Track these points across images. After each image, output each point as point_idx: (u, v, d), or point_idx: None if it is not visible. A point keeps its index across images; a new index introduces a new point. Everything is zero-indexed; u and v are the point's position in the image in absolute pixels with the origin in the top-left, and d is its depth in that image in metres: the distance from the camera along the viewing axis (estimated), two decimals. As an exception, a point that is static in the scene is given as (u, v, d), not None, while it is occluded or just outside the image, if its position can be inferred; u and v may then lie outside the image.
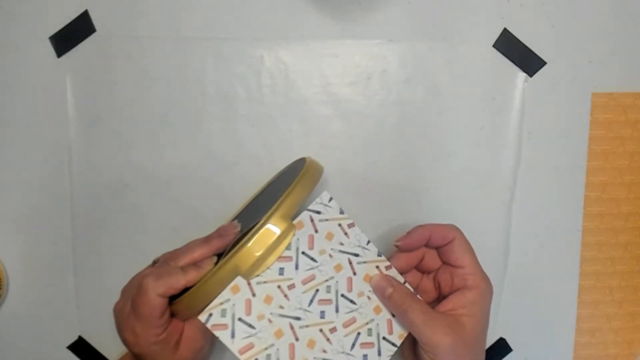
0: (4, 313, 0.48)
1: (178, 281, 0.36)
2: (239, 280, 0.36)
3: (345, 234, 0.39)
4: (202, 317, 0.35)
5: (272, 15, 0.46)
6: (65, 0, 0.45)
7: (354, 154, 0.47)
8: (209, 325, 0.35)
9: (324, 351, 0.37)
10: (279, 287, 0.37)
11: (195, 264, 0.37)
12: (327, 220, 0.39)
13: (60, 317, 0.48)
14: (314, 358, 0.36)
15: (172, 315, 0.38)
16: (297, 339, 0.36)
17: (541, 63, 0.47)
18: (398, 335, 0.38)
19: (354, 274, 0.39)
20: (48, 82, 0.46)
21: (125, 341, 0.38)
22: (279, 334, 0.36)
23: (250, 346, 0.35)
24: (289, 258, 0.37)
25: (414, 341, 0.38)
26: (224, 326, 0.35)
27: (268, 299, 0.36)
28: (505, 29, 0.47)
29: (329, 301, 0.37)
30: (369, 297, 0.38)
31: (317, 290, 0.37)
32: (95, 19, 0.46)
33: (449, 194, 0.48)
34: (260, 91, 0.47)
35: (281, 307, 0.36)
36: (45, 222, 0.47)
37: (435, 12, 0.46)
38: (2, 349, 0.48)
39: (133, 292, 0.37)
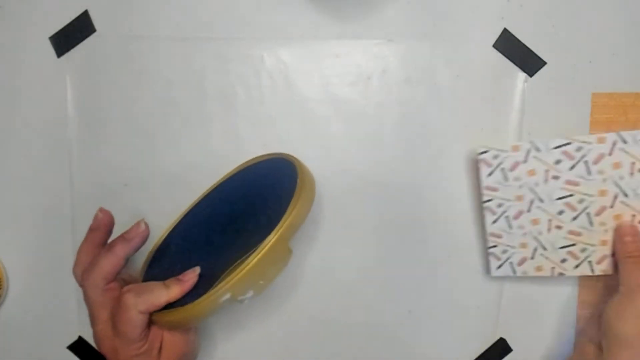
0: (4, 313, 0.48)
1: (160, 298, 0.35)
2: (523, 143, 0.42)
3: (631, 173, 0.42)
4: (480, 149, 0.43)
5: (272, 15, 0.46)
6: (65, 0, 0.45)
7: (354, 154, 0.47)
8: (479, 158, 0.43)
9: (540, 233, 0.43)
10: (546, 171, 0.42)
11: (177, 279, 0.36)
12: (627, 153, 0.42)
13: (60, 317, 0.48)
14: (530, 231, 0.43)
15: (150, 322, 0.37)
16: (528, 211, 0.43)
17: (541, 63, 0.47)
18: (601, 269, 0.44)
19: (611, 207, 0.42)
20: (48, 82, 0.46)
21: (104, 355, 0.37)
22: (519, 198, 0.43)
23: (495, 189, 0.43)
24: (572, 157, 0.42)
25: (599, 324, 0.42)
26: (489, 165, 0.42)
27: (532, 172, 0.42)
28: (505, 29, 0.47)
29: (574, 208, 0.43)
30: (606, 230, 0.43)
31: (572, 195, 0.42)
32: (95, 19, 0.46)
33: (449, 194, 0.48)
34: (260, 91, 0.47)
35: (536, 184, 0.42)
36: (45, 222, 0.47)
37: (435, 12, 0.46)
38: (2, 349, 0.48)
39: (109, 307, 0.36)
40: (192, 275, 0.36)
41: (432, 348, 0.49)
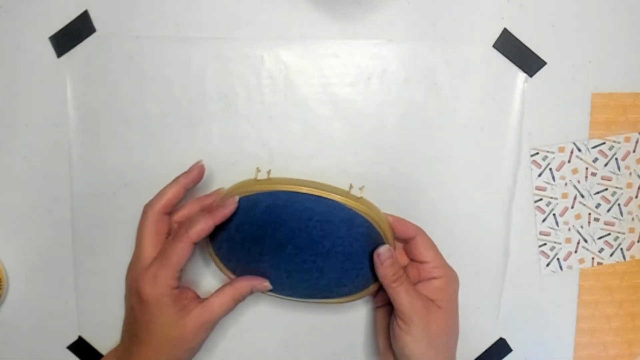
0: (4, 313, 0.48)
1: (207, 223, 0.39)
2: (567, 144, 0.47)
3: None
4: (531, 152, 0.46)
5: (272, 15, 0.46)
6: (65, 0, 0.45)
7: (354, 154, 0.47)
8: (531, 160, 0.47)
9: (582, 227, 0.48)
10: (587, 168, 0.47)
11: (220, 205, 0.41)
12: None
13: (60, 317, 0.48)
14: (573, 225, 0.48)
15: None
16: (572, 207, 0.48)
17: (541, 63, 0.47)
18: (630, 255, 0.49)
19: (636, 197, 0.48)
20: (48, 82, 0.46)
21: (141, 291, 0.39)
22: (564, 196, 0.48)
23: (544, 189, 0.47)
24: (606, 155, 0.47)
25: (388, 334, 0.42)
26: (539, 166, 0.47)
27: (575, 171, 0.47)
28: (505, 29, 0.47)
29: (608, 201, 0.48)
30: (632, 219, 0.49)
31: (607, 189, 0.48)
32: (95, 19, 0.46)
33: (449, 194, 0.48)
34: (260, 91, 0.47)
35: (578, 181, 0.47)
36: (45, 222, 0.47)
37: (435, 12, 0.46)
38: (2, 349, 0.48)
39: (158, 236, 0.41)
40: (232, 201, 0.40)
41: (432, 348, 0.49)
